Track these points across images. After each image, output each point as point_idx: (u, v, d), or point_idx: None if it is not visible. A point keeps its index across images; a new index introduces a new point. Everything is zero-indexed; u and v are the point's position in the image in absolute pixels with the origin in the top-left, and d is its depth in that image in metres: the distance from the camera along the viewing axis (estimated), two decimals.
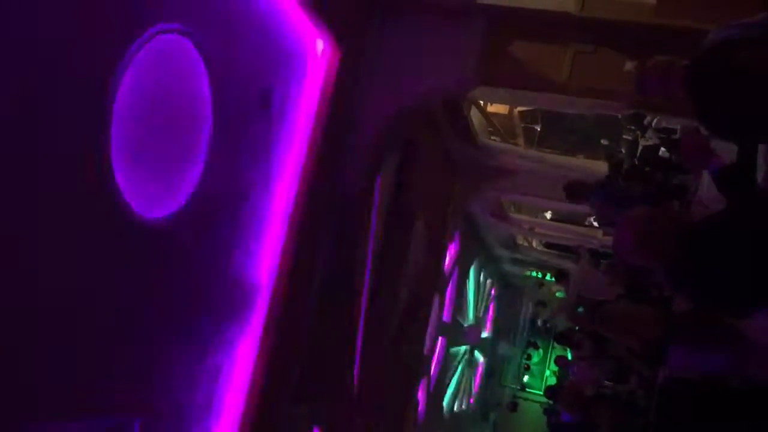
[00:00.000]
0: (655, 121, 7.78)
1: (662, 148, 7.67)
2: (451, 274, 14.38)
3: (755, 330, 3.09)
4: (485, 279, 20.33)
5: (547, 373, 24.27)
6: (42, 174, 3.47)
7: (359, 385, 9.50)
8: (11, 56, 3.14)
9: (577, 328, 8.85)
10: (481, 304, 20.33)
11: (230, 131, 4.97)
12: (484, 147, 11.26)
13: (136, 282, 4.29)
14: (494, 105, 13.07)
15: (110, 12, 3.74)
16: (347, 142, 6.71)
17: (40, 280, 3.56)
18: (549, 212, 17.22)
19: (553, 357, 20.95)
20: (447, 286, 14.34)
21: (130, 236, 4.16)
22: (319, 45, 6.08)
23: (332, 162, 6.46)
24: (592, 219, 14.53)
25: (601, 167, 10.46)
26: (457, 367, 18.53)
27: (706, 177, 4.88)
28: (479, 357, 22.12)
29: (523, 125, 14.89)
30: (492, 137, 12.52)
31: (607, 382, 7.13)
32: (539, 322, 24.67)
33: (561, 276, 11.34)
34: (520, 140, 14.42)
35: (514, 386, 25.04)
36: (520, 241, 18.96)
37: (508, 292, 24.61)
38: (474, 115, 10.90)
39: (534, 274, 22.73)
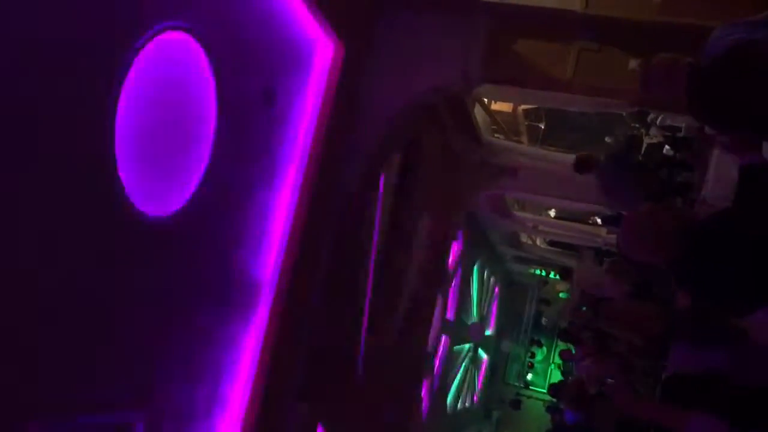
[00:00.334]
0: (659, 119, 7.77)
1: (666, 146, 7.66)
2: (454, 272, 14.38)
3: (756, 328, 3.10)
4: (489, 277, 20.33)
5: (552, 366, 24.25)
6: (46, 171, 3.48)
7: (363, 382, 9.51)
8: (13, 52, 3.15)
9: (579, 324, 8.84)
10: (485, 302, 20.33)
11: (234, 128, 4.99)
12: (488, 145, 11.25)
13: (139, 279, 4.31)
14: (498, 103, 13.06)
15: (115, 9, 3.76)
16: (350, 139, 6.72)
17: (42, 276, 3.57)
18: (553, 210, 17.20)
19: (557, 354, 20.95)
20: (450, 284, 14.34)
21: (133, 233, 4.18)
22: (323, 42, 6.09)
23: (335, 160, 6.47)
24: (596, 218, 14.52)
25: None
26: (460, 365, 18.54)
27: (711, 175, 4.89)
28: (483, 355, 22.13)
29: (527, 123, 14.88)
30: (496, 135, 12.51)
31: (609, 380, 7.12)
32: (543, 322, 24.65)
33: (565, 274, 11.35)
34: (524, 138, 14.41)
35: (517, 384, 25.03)
36: (524, 239, 18.95)
37: (512, 290, 24.60)
38: (478, 112, 10.89)
39: (538, 272, 22.72)
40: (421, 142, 9.42)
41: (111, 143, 3.83)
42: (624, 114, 8.91)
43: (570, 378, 11.15)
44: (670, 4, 6.15)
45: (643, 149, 8.30)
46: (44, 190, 3.49)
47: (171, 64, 4.32)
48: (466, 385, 19.81)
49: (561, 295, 20.48)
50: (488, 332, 22.35)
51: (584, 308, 7.72)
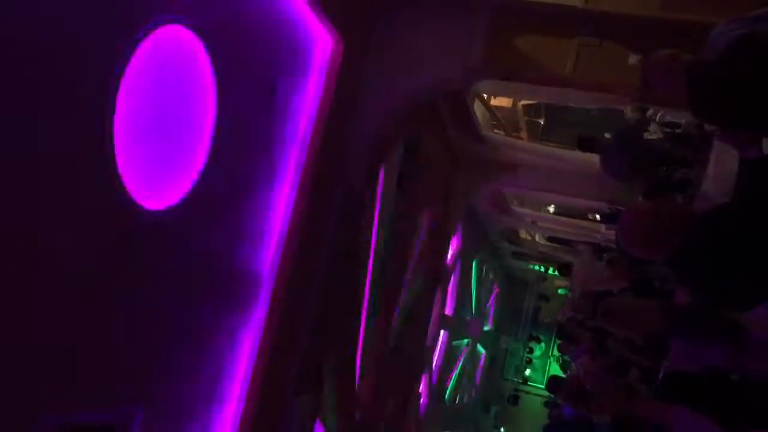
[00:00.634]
0: (659, 115, 7.76)
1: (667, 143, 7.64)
2: (453, 267, 14.39)
3: (755, 324, 3.10)
4: (487, 272, 20.34)
5: (550, 360, 24.31)
6: (44, 164, 3.47)
7: (361, 377, 9.53)
8: (12, 45, 3.14)
9: (577, 321, 8.84)
10: (484, 298, 20.35)
11: (234, 122, 4.98)
12: (488, 140, 11.25)
13: (138, 272, 4.30)
14: (498, 98, 13.06)
15: (114, 2, 3.74)
16: (351, 134, 6.71)
17: (41, 270, 3.57)
18: (552, 206, 17.21)
19: (556, 348, 20.99)
20: (449, 279, 14.35)
21: (132, 227, 4.17)
22: (323, 38, 6.07)
23: (335, 155, 6.46)
24: (595, 215, 14.52)
25: None
26: (459, 361, 18.57)
27: (710, 172, 4.88)
28: (481, 350, 22.16)
29: (526, 119, 14.88)
30: (495, 130, 12.50)
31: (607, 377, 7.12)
32: (541, 318, 24.70)
33: (564, 269, 11.35)
34: (524, 134, 14.41)
35: (515, 380, 25.08)
36: (523, 234, 18.95)
37: (511, 286, 24.63)
38: (477, 108, 10.88)
39: (536, 268, 22.74)
40: (421, 136, 9.42)
41: (110, 137, 3.82)
42: (624, 110, 8.89)
43: (568, 373, 11.17)
44: (672, 0, 6.13)
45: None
46: (42, 182, 3.48)
47: (170, 57, 4.31)
48: (464, 381, 19.84)
49: (560, 291, 20.51)
50: (487, 328, 22.38)
51: (584, 303, 7.72)
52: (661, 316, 3.76)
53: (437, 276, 12.32)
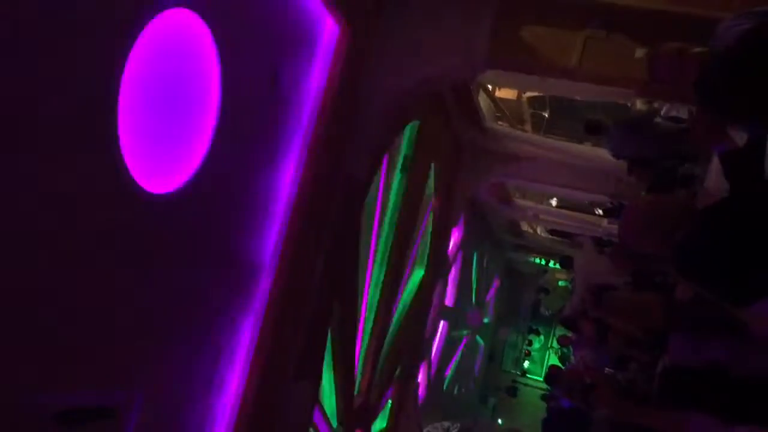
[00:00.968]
0: (664, 110, 7.74)
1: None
2: (454, 258, 14.41)
3: (756, 320, 3.09)
4: (488, 264, 20.37)
5: (549, 352, 24.40)
6: (48, 148, 3.46)
7: (361, 363, 9.56)
8: (13, 31, 3.12)
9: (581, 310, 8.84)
10: (484, 290, 20.39)
11: (238, 109, 4.96)
12: (491, 132, 11.24)
13: (138, 258, 4.30)
14: (503, 90, 13.04)
15: None
16: (355, 122, 6.69)
17: (40, 253, 3.56)
18: (554, 199, 17.21)
19: (555, 341, 21.04)
20: (450, 270, 14.37)
21: (134, 211, 4.16)
22: (329, 25, 6.05)
23: (339, 142, 6.44)
24: (597, 208, 14.52)
25: (607, 155, 10.43)
26: (458, 351, 18.62)
27: (714, 167, 4.87)
28: (480, 342, 22.22)
29: (531, 111, 14.86)
30: (499, 122, 12.49)
31: (607, 369, 7.14)
32: (542, 310, 24.76)
33: (566, 262, 11.36)
34: (528, 126, 14.40)
35: (514, 371, 25.17)
36: (525, 227, 18.96)
37: (511, 278, 24.67)
38: (482, 99, 10.87)
39: (538, 261, 22.78)
40: (424, 126, 9.40)
41: (114, 120, 3.81)
42: (629, 104, 8.88)
43: (567, 365, 11.20)
44: None
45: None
46: (45, 166, 3.47)
47: (174, 42, 4.29)
48: (463, 372, 19.91)
49: (560, 283, 20.53)
50: (486, 320, 22.43)
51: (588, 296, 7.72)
52: (662, 311, 3.76)
53: (438, 266, 12.34)
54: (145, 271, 4.39)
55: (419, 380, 13.36)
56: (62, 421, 3.85)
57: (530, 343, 25.32)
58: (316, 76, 6.07)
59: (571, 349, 10.07)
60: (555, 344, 22.11)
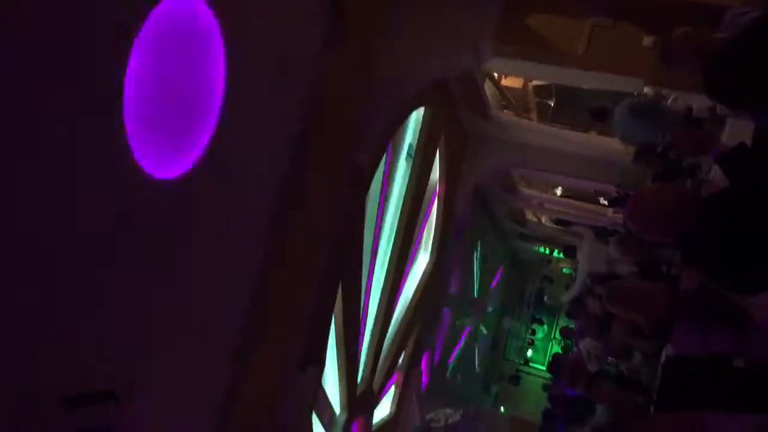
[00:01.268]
0: (671, 99, 7.70)
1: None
2: (459, 245, 14.40)
3: (760, 309, 3.09)
4: (493, 253, 20.38)
5: (553, 342, 24.46)
6: (52, 132, 3.46)
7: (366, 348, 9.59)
8: (13, 16, 3.11)
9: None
10: (487, 278, 20.40)
11: (244, 95, 4.95)
12: (497, 120, 11.21)
13: (142, 241, 4.29)
14: (508, 78, 12.99)
15: None
16: (360, 109, 6.67)
17: (41, 236, 3.56)
18: (559, 188, 17.18)
19: (558, 331, 21.08)
20: (454, 257, 14.37)
21: (138, 196, 4.15)
22: None
23: (344, 129, 6.42)
24: (602, 198, 14.48)
25: (612, 144, 10.40)
26: (461, 340, 18.66)
27: None
28: (483, 330, 22.26)
29: (537, 100, 14.80)
30: (505, 111, 12.45)
31: (610, 358, 7.15)
32: (545, 299, 24.79)
33: (569, 252, 11.35)
34: (533, 115, 14.35)
35: (517, 360, 25.22)
36: (529, 216, 18.95)
37: (515, 267, 24.67)
38: (488, 87, 10.83)
39: (542, 250, 22.77)
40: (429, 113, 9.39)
41: (119, 104, 3.80)
42: (635, 93, 8.83)
43: (571, 354, 11.20)
44: None
45: None
46: (50, 149, 3.47)
47: (181, 26, 4.28)
48: (466, 360, 19.96)
49: (565, 270, 20.52)
50: (490, 308, 22.46)
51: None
52: (667, 300, 3.76)
53: (442, 254, 12.34)
54: (147, 255, 4.38)
55: (422, 368, 13.40)
56: (68, 405, 3.88)
57: (534, 332, 25.37)
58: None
59: (574, 340, 10.08)
60: (558, 335, 22.14)
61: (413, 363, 12.34)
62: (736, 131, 4.14)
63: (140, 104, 3.97)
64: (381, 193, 8.99)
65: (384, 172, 8.87)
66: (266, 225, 5.74)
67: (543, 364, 23.23)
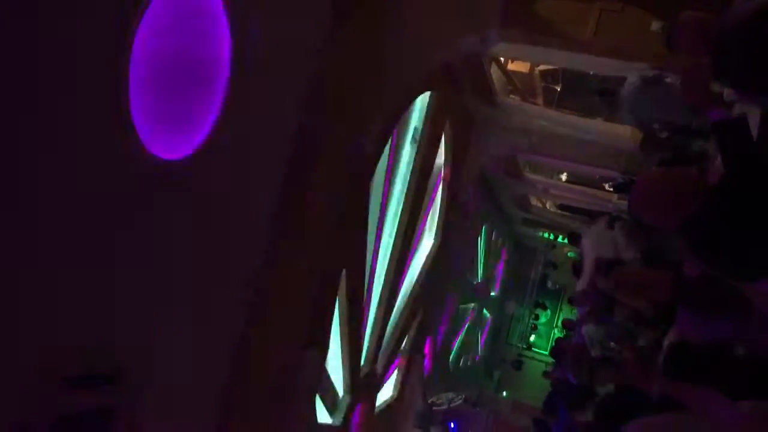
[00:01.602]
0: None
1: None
2: (463, 229, 14.40)
3: (761, 296, 3.09)
4: (497, 238, 20.38)
5: (555, 330, 24.49)
6: (57, 113, 3.46)
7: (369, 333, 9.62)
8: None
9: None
10: (492, 263, 20.41)
11: (248, 79, 4.93)
12: (503, 105, 11.16)
13: (145, 224, 4.30)
14: (515, 63, 12.91)
15: None
16: (365, 94, 6.65)
17: (42, 219, 3.57)
18: (564, 174, 17.13)
19: (561, 319, 21.10)
20: (459, 241, 14.37)
21: (144, 176, 4.15)
22: None
23: (349, 114, 6.40)
24: (607, 184, 14.44)
25: (618, 130, 10.36)
26: (464, 324, 18.71)
27: None
28: (487, 315, 22.31)
29: (543, 85, 14.72)
30: (511, 96, 12.39)
31: (612, 344, 7.16)
32: (549, 284, 24.80)
33: (574, 238, 11.34)
34: (540, 100, 14.27)
35: (520, 345, 25.28)
36: (534, 201, 18.92)
37: (519, 252, 24.68)
38: (494, 72, 10.77)
39: (546, 235, 22.74)
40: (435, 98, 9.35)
41: (125, 85, 3.80)
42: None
43: (572, 340, 11.22)
44: None
45: None
46: (55, 130, 3.47)
47: (187, 9, 4.26)
48: (469, 344, 20.02)
49: (569, 254, 20.48)
50: (493, 293, 22.49)
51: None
52: (671, 286, 3.76)
53: (447, 237, 12.34)
54: (151, 237, 4.38)
55: (425, 351, 13.45)
56: (71, 385, 3.90)
57: (537, 317, 25.41)
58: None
59: (576, 329, 10.09)
60: (560, 324, 22.15)
61: (416, 347, 12.38)
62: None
63: (145, 85, 3.97)
64: (386, 176, 8.99)
65: (389, 156, 8.85)
66: (266, 224, 5.73)
67: (546, 349, 23.28)
